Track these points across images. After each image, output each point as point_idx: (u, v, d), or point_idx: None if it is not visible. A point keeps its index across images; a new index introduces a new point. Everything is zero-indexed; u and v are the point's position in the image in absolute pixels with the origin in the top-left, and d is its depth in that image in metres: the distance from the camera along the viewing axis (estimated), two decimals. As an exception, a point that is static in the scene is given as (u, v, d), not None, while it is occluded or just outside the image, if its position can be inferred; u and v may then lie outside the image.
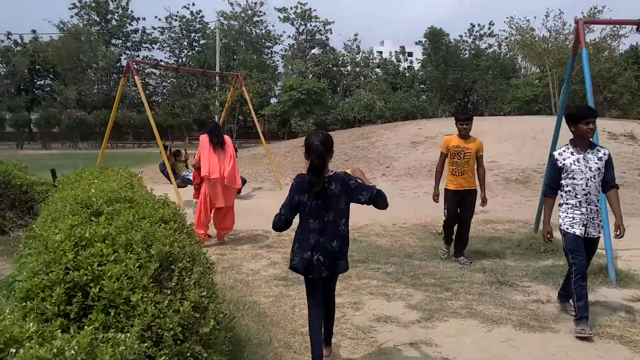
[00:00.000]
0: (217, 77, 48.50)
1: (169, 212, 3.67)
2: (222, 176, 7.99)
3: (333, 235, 3.81)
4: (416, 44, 71.25)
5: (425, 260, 7.34)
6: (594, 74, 31.03)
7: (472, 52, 65.72)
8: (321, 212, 3.80)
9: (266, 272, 6.69)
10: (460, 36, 68.18)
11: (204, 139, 8.24)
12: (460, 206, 7.23)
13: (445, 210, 7.32)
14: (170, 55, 63.89)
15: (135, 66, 12.63)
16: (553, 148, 8.09)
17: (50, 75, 56.30)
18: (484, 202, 7.28)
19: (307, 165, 3.81)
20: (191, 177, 11.58)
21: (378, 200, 3.83)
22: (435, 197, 7.37)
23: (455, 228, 7.42)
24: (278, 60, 66.77)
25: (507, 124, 21.82)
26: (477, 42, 67.02)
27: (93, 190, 3.81)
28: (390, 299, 5.68)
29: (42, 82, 58.92)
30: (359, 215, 10.70)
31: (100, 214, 3.40)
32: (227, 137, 8.29)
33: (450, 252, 7.50)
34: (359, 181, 3.91)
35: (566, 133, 5.33)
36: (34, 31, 56.82)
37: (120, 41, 62.40)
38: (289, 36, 78.10)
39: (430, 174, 16.24)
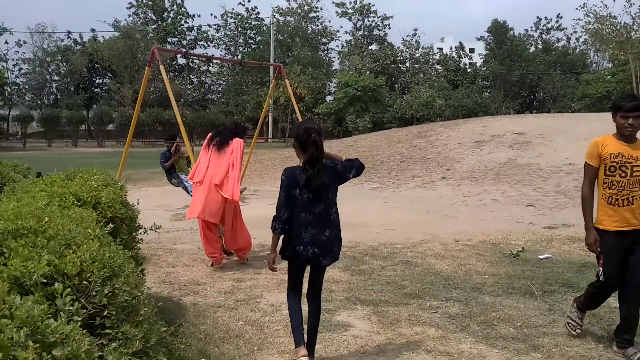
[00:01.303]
0: (271, 74, 47.50)
1: (96, 256, 2.16)
2: (210, 183, 6.50)
3: (325, 225, 3.78)
4: (478, 39, 68.38)
5: (499, 295, 5.60)
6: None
7: (539, 46, 62.37)
8: (312, 204, 3.75)
9: (289, 310, 5.15)
10: (526, 30, 64.93)
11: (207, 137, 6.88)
12: (628, 257, 4.18)
13: (600, 269, 4.19)
14: (225, 53, 63.46)
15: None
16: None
17: (109, 74, 56.86)
18: None
19: (305, 157, 3.72)
20: (188, 183, 10.10)
21: (360, 170, 3.96)
22: (594, 244, 4.22)
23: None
24: (334, 57, 65.23)
25: (584, 122, 19.57)
26: (544, 36, 63.60)
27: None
28: (455, 361, 4.04)
29: (100, 80, 59.70)
30: (414, 229, 9.05)
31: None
32: (237, 142, 6.65)
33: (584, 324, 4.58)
34: (339, 160, 3.94)
35: None
36: (93, 30, 57.67)
37: (176, 39, 62.40)
38: (346, 32, 76.31)
39: (498, 178, 14.30)
